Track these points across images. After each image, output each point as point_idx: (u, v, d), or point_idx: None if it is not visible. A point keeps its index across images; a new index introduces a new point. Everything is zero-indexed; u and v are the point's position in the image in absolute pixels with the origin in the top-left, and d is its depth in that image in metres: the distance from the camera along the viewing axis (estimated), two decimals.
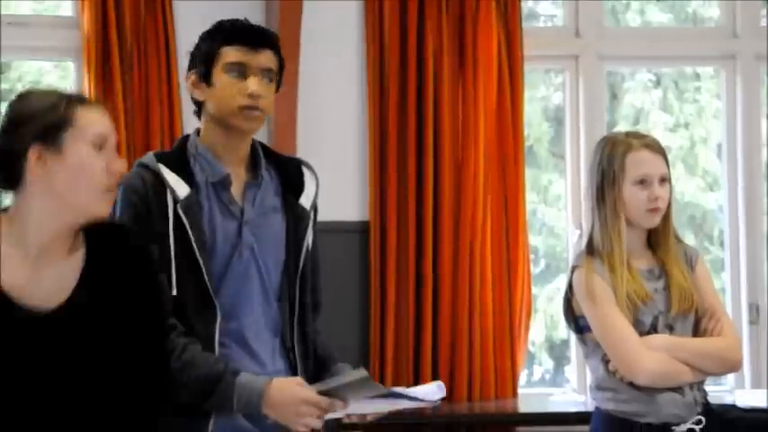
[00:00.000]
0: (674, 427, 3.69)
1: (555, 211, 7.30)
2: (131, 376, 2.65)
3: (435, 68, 6.28)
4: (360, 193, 6.33)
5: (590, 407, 3.88)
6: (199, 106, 3.27)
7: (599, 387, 3.79)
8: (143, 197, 3.09)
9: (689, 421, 3.71)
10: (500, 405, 6.23)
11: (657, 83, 7.73)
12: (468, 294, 6.23)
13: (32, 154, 2.63)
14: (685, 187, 7.53)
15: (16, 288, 2.61)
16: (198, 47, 3.25)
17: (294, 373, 3.19)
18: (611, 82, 7.35)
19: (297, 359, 3.23)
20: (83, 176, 2.65)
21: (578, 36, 6.65)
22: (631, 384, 3.70)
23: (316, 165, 5.69)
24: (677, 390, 3.71)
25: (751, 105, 6.73)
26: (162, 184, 3.10)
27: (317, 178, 3.37)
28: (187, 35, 5.92)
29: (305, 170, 3.36)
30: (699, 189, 7.59)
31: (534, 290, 6.48)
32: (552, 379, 7.39)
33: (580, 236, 6.05)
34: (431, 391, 3.25)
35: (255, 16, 6.15)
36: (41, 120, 2.64)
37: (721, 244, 6.93)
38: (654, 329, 3.74)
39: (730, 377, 6.55)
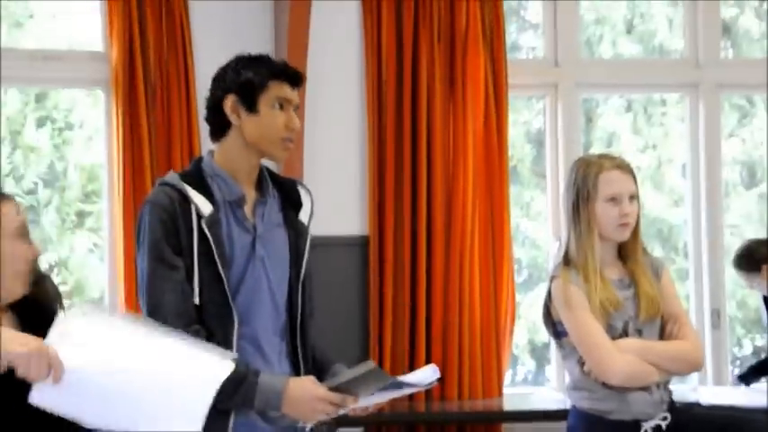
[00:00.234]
0: (643, 424, 3.68)
1: (536, 225, 7.28)
2: None
3: (428, 95, 6.27)
4: (360, 209, 6.31)
5: (569, 404, 3.85)
6: (221, 129, 3.21)
7: (575, 387, 3.77)
8: (171, 214, 3.07)
9: (656, 418, 3.69)
10: (487, 403, 6.21)
11: (628, 108, 7.71)
12: (458, 301, 6.22)
13: None
14: (653, 203, 7.50)
15: None
16: (236, 72, 3.18)
17: (297, 374, 3.18)
18: (587, 107, 7.34)
19: (301, 361, 3.22)
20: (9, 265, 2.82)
21: (557, 66, 6.66)
22: (604, 384, 3.68)
23: (320, 184, 5.73)
24: (646, 389, 3.69)
25: (712, 129, 6.73)
26: (186, 201, 3.09)
27: (311, 196, 3.35)
28: (204, 64, 5.99)
29: (300, 189, 3.34)
30: (665, 205, 7.56)
31: (518, 297, 6.46)
32: (534, 379, 7.36)
33: (559, 248, 6.03)
34: (427, 375, 3.25)
35: (264, 23, 6.23)
36: None
37: (686, 255, 6.90)
38: (625, 334, 3.72)
39: (694, 379, 6.55)
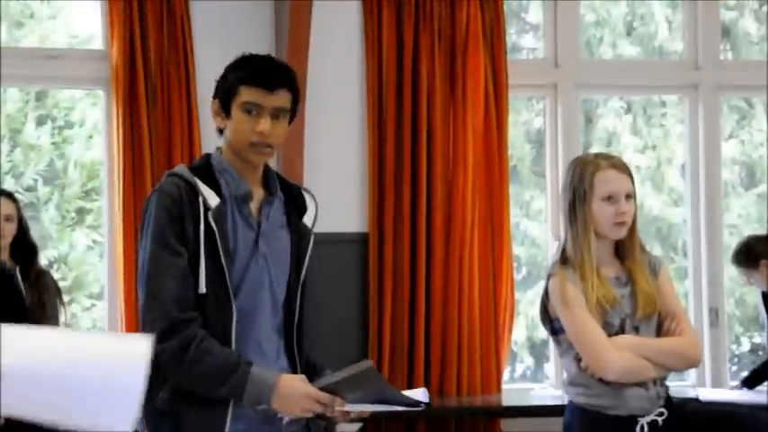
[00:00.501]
0: (639, 419, 3.67)
1: (536, 224, 7.30)
2: None
3: (429, 95, 6.28)
4: (360, 207, 6.32)
5: (566, 401, 3.85)
6: (220, 128, 3.26)
7: (572, 383, 3.77)
8: (177, 202, 3.07)
9: (652, 413, 3.69)
10: (486, 399, 6.23)
11: (628, 109, 7.72)
12: (458, 298, 6.23)
13: None
14: (653, 203, 7.51)
15: None
16: (223, 77, 3.22)
17: (294, 372, 3.19)
18: (587, 108, 7.35)
19: (297, 360, 3.23)
20: None
21: (557, 67, 6.67)
22: (601, 380, 3.67)
23: (320, 181, 5.75)
24: (642, 385, 3.69)
25: (711, 130, 6.75)
26: (194, 192, 3.09)
27: (315, 202, 3.36)
28: (205, 63, 6.01)
29: (305, 194, 3.34)
30: (664, 205, 7.57)
31: (517, 295, 6.48)
32: (533, 375, 7.37)
33: (557, 246, 6.05)
34: (417, 396, 3.25)
35: (264, 23, 6.24)
36: None
37: (685, 254, 6.91)
38: (621, 330, 3.71)
39: (692, 376, 6.55)
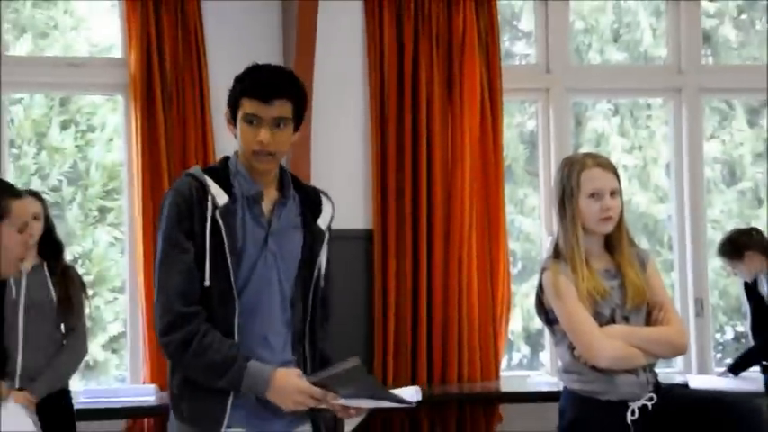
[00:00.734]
0: (630, 404, 3.65)
1: (530, 220, 7.30)
2: None
3: (428, 98, 6.27)
4: (364, 205, 6.30)
5: (560, 387, 3.83)
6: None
7: (566, 370, 3.75)
8: (187, 200, 3.07)
9: (642, 398, 3.67)
10: (485, 386, 6.22)
11: (615, 111, 7.73)
12: (457, 291, 6.22)
13: None
14: (639, 200, 7.53)
15: None
16: (232, 88, 3.21)
17: (303, 365, 3.18)
18: (577, 111, 7.36)
19: (307, 353, 3.21)
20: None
21: (548, 72, 6.65)
22: (594, 368, 3.66)
23: (326, 181, 5.68)
24: (632, 371, 3.67)
25: (694, 131, 6.73)
26: (204, 191, 3.10)
27: (332, 205, 3.34)
28: (217, 71, 5.99)
29: (323, 197, 3.33)
30: (651, 202, 7.58)
31: (513, 287, 6.47)
32: (529, 363, 7.38)
33: (551, 241, 6.04)
34: (409, 394, 3.23)
35: (272, 25, 6.22)
36: None
37: (670, 248, 6.92)
38: (612, 320, 3.69)
39: (679, 363, 6.54)
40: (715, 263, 6.57)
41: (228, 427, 3.06)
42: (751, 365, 6.12)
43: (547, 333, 6.18)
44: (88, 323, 4.99)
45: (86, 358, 4.96)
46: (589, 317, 3.65)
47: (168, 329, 3.02)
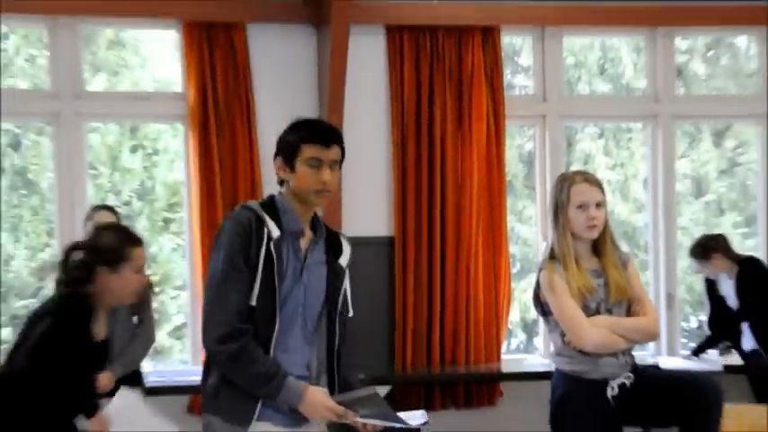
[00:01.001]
0: (610, 381, 3.68)
1: (527, 227, 7.28)
2: None
3: (441, 125, 6.29)
4: (387, 215, 6.31)
5: (553, 368, 3.84)
6: (281, 179, 3.20)
7: (558, 354, 3.78)
8: (247, 230, 3.04)
9: (621, 377, 3.70)
10: (488, 366, 6.25)
11: (601, 134, 7.70)
12: (466, 288, 6.24)
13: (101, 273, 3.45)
14: (621, 210, 7.50)
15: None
16: (283, 138, 3.13)
17: (330, 386, 3.18)
18: (568, 134, 7.31)
19: (335, 373, 3.20)
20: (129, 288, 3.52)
21: (544, 101, 6.64)
22: (581, 351, 3.69)
23: (355, 195, 5.71)
24: (613, 355, 3.69)
25: (668, 151, 6.72)
26: (261, 223, 3.06)
27: (350, 247, 3.29)
28: (263, 106, 6.01)
29: (342, 240, 3.28)
30: (630, 211, 7.54)
31: (512, 284, 6.46)
32: (525, 347, 7.36)
33: (546, 246, 6.04)
34: (416, 417, 3.23)
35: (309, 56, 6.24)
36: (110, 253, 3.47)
37: (646, 251, 6.88)
38: (597, 312, 3.72)
39: (651, 347, 6.54)
40: (684, 263, 6.59)
41: (258, 419, 3.05)
42: (709, 349, 6.21)
43: (541, 322, 6.12)
44: (156, 315, 4.99)
45: (155, 345, 4.96)
46: (578, 309, 3.67)
47: (225, 339, 2.98)
